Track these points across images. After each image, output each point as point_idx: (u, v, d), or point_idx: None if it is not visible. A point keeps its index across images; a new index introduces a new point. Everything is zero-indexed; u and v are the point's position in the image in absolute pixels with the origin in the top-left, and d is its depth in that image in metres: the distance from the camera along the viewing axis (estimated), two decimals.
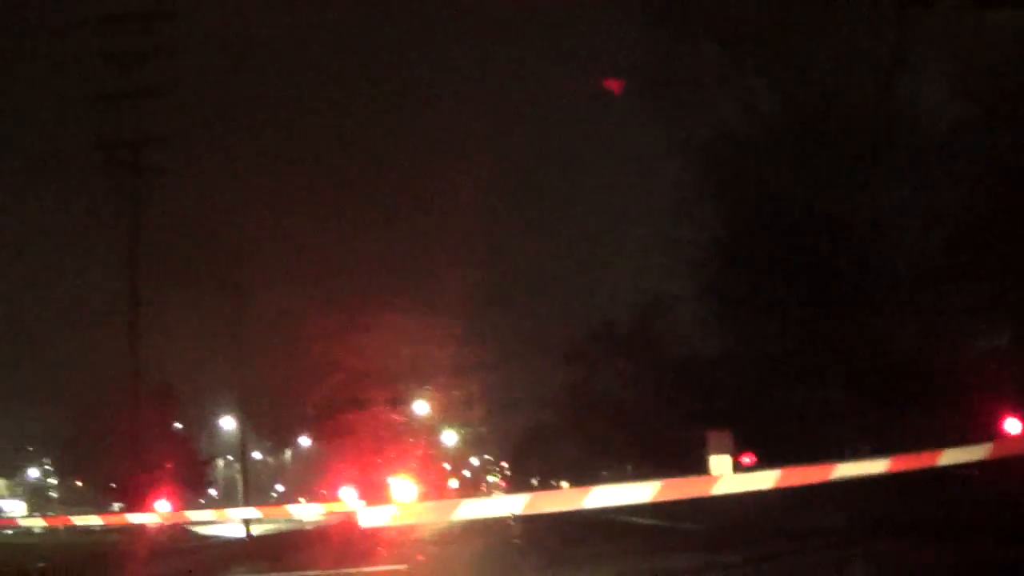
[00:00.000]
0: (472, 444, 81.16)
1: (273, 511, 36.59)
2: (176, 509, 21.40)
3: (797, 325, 27.58)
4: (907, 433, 22.50)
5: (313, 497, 46.58)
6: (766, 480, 8.08)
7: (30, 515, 51.10)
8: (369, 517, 7.00)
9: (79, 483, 46.75)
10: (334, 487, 26.93)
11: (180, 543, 28.24)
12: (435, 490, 76.74)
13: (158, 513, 20.34)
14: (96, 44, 34.00)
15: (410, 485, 8.07)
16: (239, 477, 42.43)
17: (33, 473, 58.25)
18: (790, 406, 28.70)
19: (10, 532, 36.69)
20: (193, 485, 40.53)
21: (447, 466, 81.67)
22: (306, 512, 34.99)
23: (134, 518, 21.22)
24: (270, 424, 50.58)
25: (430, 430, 68.37)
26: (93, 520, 25.68)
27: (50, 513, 53.26)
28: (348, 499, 20.41)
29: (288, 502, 58.19)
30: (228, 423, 43.32)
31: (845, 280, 26.03)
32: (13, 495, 53.44)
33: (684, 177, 29.45)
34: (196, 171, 37.79)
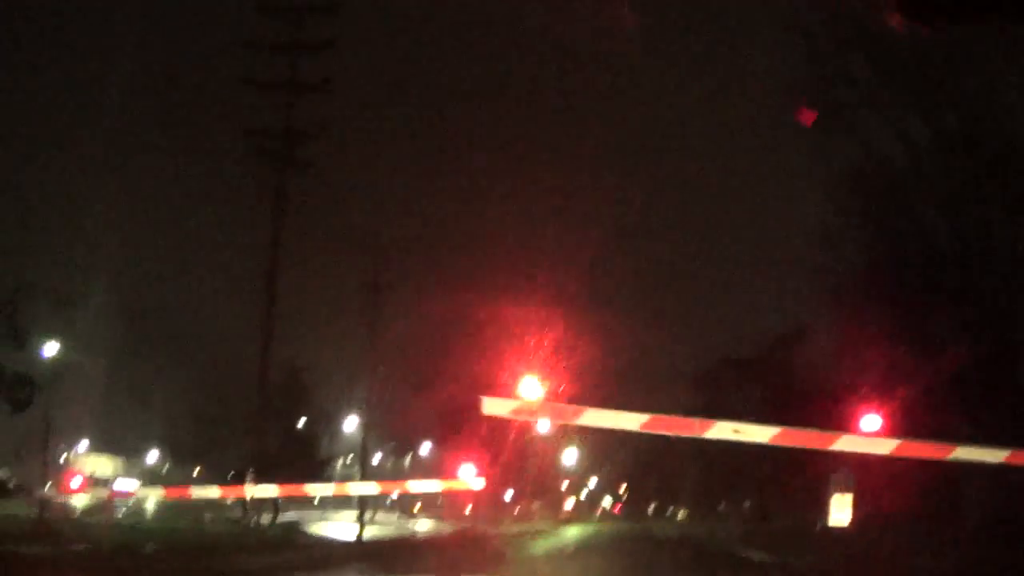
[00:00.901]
0: (591, 464, 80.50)
1: (392, 485, 36.57)
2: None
3: (939, 361, 26.41)
4: None
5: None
6: (885, 446, 8.02)
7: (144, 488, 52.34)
8: (492, 406, 6.88)
9: (195, 472, 47.54)
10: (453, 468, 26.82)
11: (291, 540, 28.38)
12: (550, 506, 76.39)
13: (276, 486, 20.28)
14: (257, 32, 34.57)
15: (537, 384, 7.96)
16: (357, 479, 42.62)
17: (151, 457, 59.60)
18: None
19: (121, 514, 37.61)
20: (311, 481, 40.78)
21: (564, 486, 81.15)
22: (426, 487, 34.77)
23: (251, 490, 21.28)
24: (393, 427, 50.86)
25: (553, 445, 68.00)
26: (212, 492, 25.89)
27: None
28: (466, 476, 20.17)
29: (406, 509, 58.52)
30: (351, 423, 43.55)
31: (992, 314, 24.80)
32: (129, 475, 54.66)
33: (828, 204, 28.40)
34: (342, 168, 38.12)
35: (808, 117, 26.41)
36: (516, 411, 5.48)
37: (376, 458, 53.16)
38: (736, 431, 7.39)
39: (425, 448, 61.78)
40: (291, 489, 21.32)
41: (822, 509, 29.86)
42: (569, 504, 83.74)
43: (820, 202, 28.79)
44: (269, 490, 20.50)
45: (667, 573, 19.77)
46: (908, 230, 26.47)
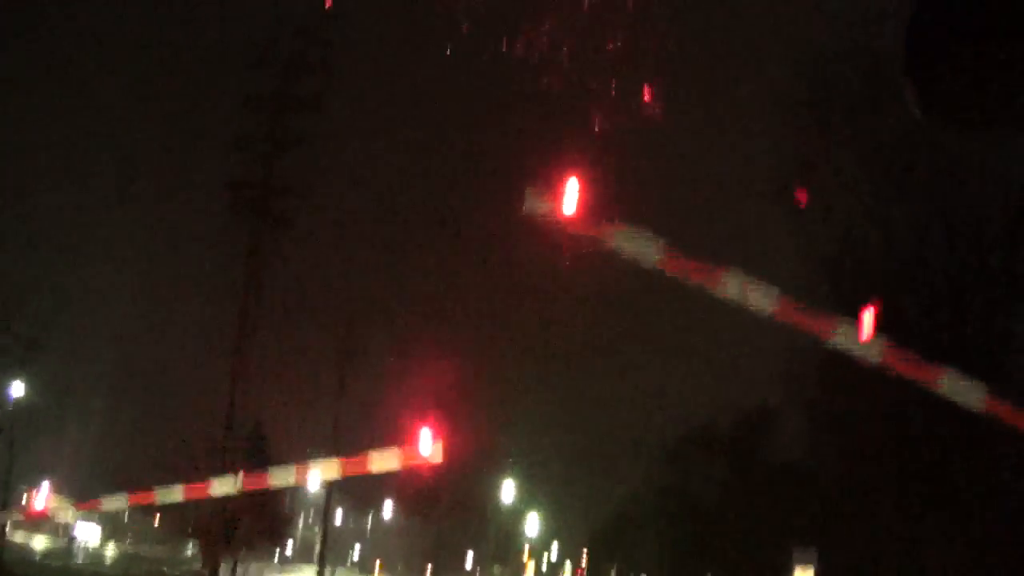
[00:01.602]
0: (553, 530, 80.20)
1: (353, 464, 36.02)
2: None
3: (895, 450, 26.66)
4: None
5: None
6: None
7: (104, 543, 51.73)
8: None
9: (156, 523, 47.10)
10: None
11: None
12: (511, 572, 75.76)
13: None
14: (242, 85, 34.61)
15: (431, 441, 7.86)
16: (318, 537, 42.39)
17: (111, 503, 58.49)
18: (878, 534, 27.69)
19: (80, 559, 37.16)
20: (271, 537, 40.47)
21: (526, 552, 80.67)
22: (387, 462, 34.38)
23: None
24: (355, 488, 50.53)
25: (513, 513, 67.77)
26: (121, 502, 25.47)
27: (125, 544, 53.95)
28: (424, 445, 20.01)
29: (366, 568, 58.00)
30: (313, 481, 43.44)
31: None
32: (88, 519, 53.98)
33: (802, 287, 28.36)
34: (318, 227, 38.06)
35: (803, 197, 26.72)
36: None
37: (338, 518, 52.86)
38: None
39: (388, 511, 61.50)
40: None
41: None
42: (530, 571, 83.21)
43: (796, 285, 28.81)
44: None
45: None
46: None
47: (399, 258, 41.10)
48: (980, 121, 3.18)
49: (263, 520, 36.59)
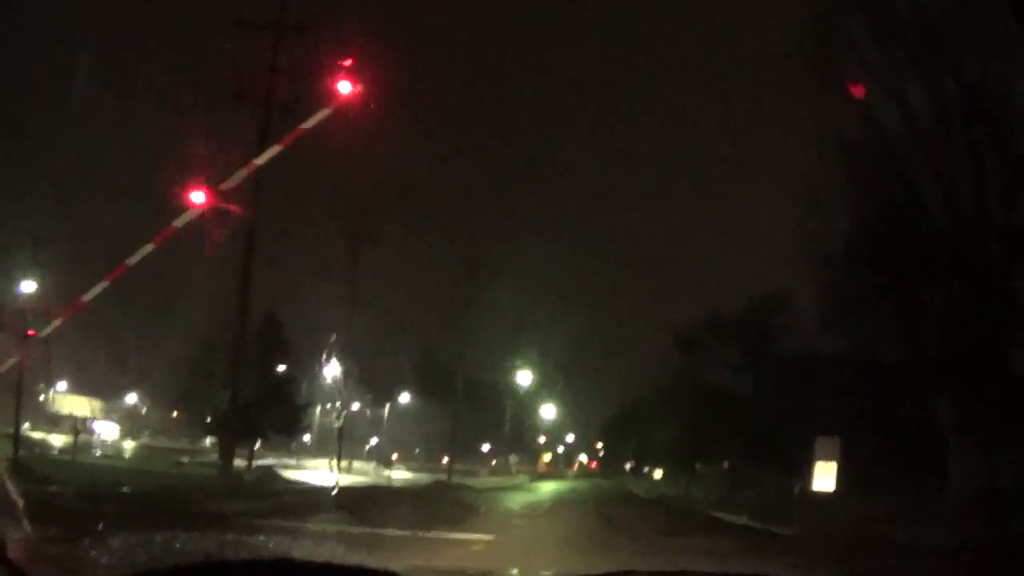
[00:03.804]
0: (569, 420, 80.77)
1: None
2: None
3: (925, 334, 26.30)
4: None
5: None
6: None
7: (122, 438, 52.26)
8: None
9: (175, 414, 47.35)
10: None
11: (267, 485, 28.22)
12: (527, 460, 76.58)
13: None
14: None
15: None
16: (336, 426, 42.57)
17: (130, 399, 59.35)
18: (896, 419, 27.53)
19: (98, 454, 37.34)
20: (288, 428, 40.60)
21: (542, 440, 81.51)
22: None
23: None
24: (373, 376, 50.71)
25: (530, 400, 68.14)
26: None
27: (143, 438, 54.51)
28: None
29: (381, 458, 58.52)
30: (332, 370, 43.42)
31: (985, 293, 24.44)
32: (108, 418, 54.53)
33: (820, 168, 27.58)
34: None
35: (857, 89, 25.93)
36: None
37: (355, 407, 53.03)
38: None
39: (405, 397, 61.84)
40: None
41: (803, 475, 29.81)
42: (546, 459, 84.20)
43: (812, 165, 28.09)
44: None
45: (644, 533, 19.63)
46: (903, 201, 26.11)
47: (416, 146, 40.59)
48: None
49: (279, 410, 36.67)
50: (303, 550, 3.83)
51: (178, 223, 18.15)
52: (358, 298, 40.44)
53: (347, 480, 33.90)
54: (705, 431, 44.24)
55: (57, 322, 18.66)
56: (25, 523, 4.39)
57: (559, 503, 32.74)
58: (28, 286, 32.64)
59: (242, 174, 19.58)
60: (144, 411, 61.22)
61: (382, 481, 39.12)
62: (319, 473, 35.94)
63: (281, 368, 39.61)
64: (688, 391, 47.05)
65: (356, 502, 22.40)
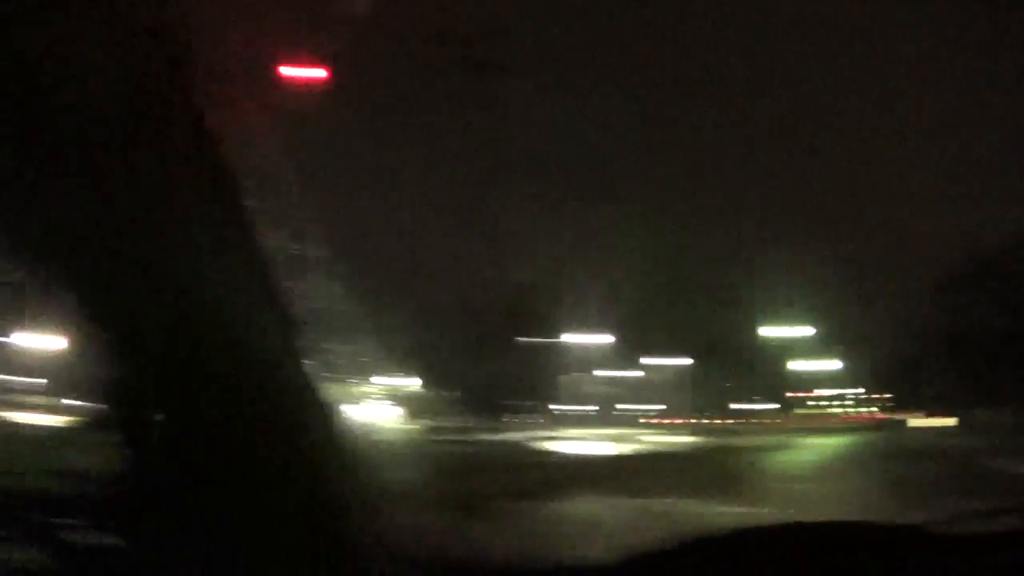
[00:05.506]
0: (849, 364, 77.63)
1: None
2: None
3: None
4: None
5: None
6: None
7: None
8: None
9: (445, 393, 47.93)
10: None
11: (518, 459, 27.42)
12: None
13: None
14: None
15: None
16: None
17: (408, 381, 60.44)
18: None
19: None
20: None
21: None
22: None
23: None
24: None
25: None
26: None
27: (423, 420, 55.77)
28: None
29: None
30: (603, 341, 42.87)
31: None
32: (388, 399, 55.46)
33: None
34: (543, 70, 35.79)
35: None
36: None
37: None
38: None
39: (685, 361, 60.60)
40: None
41: None
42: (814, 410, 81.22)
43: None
44: None
45: (942, 494, 17.35)
46: None
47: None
48: None
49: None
50: None
51: None
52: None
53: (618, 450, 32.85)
54: (980, 377, 40.69)
55: None
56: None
57: (833, 463, 30.49)
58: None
59: None
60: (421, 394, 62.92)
61: (661, 448, 37.91)
62: (569, 444, 35.04)
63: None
64: (957, 335, 43.45)
65: (620, 472, 21.26)
